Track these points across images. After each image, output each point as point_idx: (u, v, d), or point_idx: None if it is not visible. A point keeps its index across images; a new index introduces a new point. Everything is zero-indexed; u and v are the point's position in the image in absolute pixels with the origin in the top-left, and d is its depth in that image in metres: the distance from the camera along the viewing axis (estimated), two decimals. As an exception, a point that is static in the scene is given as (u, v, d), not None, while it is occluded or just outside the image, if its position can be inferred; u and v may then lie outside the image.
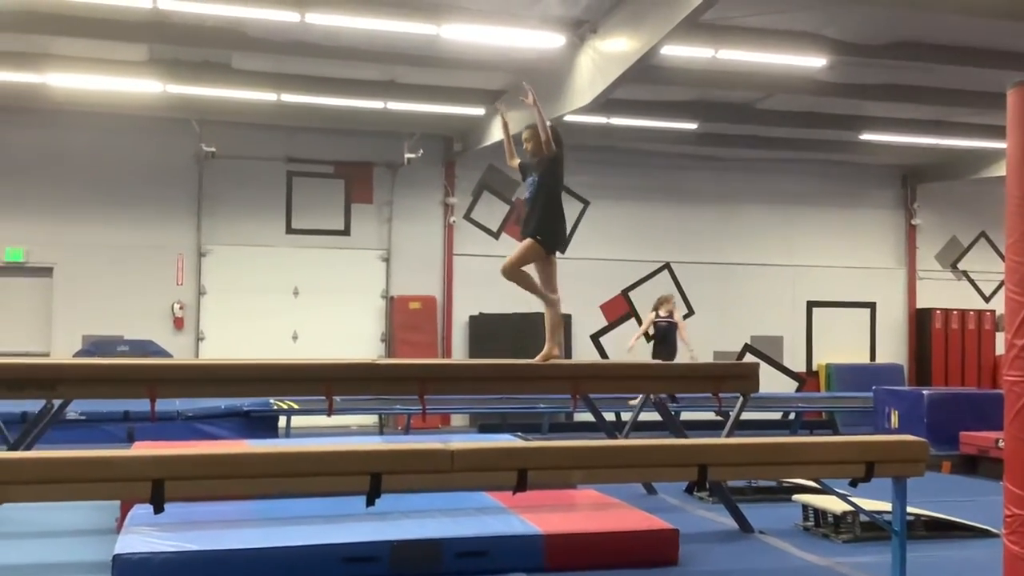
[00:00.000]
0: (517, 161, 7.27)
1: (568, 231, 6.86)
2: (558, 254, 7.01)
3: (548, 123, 6.78)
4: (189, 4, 9.64)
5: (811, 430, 14.10)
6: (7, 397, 6.09)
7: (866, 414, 13.06)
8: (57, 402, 6.67)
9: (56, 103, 13.10)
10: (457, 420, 15.24)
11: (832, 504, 6.88)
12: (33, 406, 8.03)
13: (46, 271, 14.17)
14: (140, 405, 10.08)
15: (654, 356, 12.82)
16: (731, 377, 7.40)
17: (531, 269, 6.96)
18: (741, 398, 7.36)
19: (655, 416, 9.04)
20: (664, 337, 13.09)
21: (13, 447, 6.69)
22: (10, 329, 13.90)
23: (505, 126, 7.37)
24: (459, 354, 15.62)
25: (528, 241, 6.83)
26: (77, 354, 13.12)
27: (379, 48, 11.11)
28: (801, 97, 13.13)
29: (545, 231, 6.78)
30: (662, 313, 13.20)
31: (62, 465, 4.58)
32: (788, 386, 16.82)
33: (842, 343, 17.23)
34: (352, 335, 14.92)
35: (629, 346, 13.24)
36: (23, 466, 4.65)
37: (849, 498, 5.91)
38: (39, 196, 14.03)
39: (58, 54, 11.70)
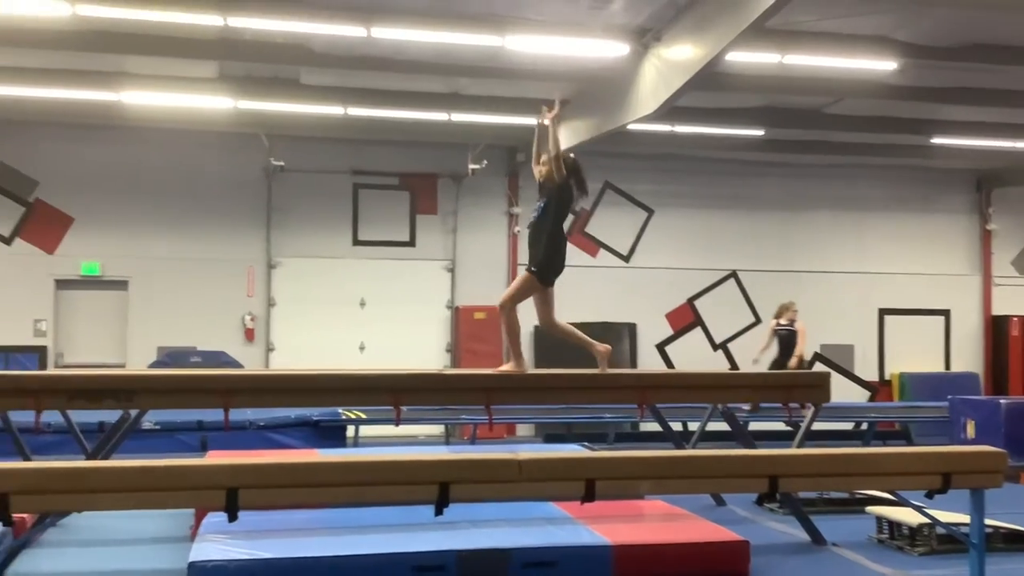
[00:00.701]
0: (542, 169, 6.67)
1: (564, 262, 6.69)
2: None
3: (560, 148, 6.44)
4: (258, 21, 9.83)
5: (884, 441, 13.80)
6: (85, 407, 6.25)
7: (941, 424, 12.75)
8: (134, 412, 6.81)
9: (130, 120, 13.46)
10: (522, 430, 15.24)
11: (907, 516, 6.73)
12: (110, 416, 8.22)
13: (122, 284, 14.54)
14: (213, 415, 10.28)
15: (773, 366, 12.32)
16: (802, 387, 7.29)
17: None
18: (812, 408, 7.24)
19: (723, 426, 8.94)
20: (786, 346, 12.59)
21: (91, 456, 6.85)
22: (87, 341, 14.31)
23: (545, 128, 6.63)
24: (525, 363, 15.59)
25: (524, 274, 6.68)
26: (152, 365, 13.42)
27: (443, 60, 11.22)
28: (871, 101, 12.92)
29: (543, 264, 6.52)
30: (783, 321, 12.73)
31: (139, 474, 4.68)
32: (860, 396, 16.52)
33: (916, 351, 16.86)
34: (418, 345, 15.04)
35: (754, 358, 12.69)
36: (101, 475, 4.76)
37: (925, 510, 5.78)
38: (115, 211, 14.41)
39: (132, 72, 12.02)
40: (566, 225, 6.84)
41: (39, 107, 12.99)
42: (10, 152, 14.16)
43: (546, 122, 6.42)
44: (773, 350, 12.72)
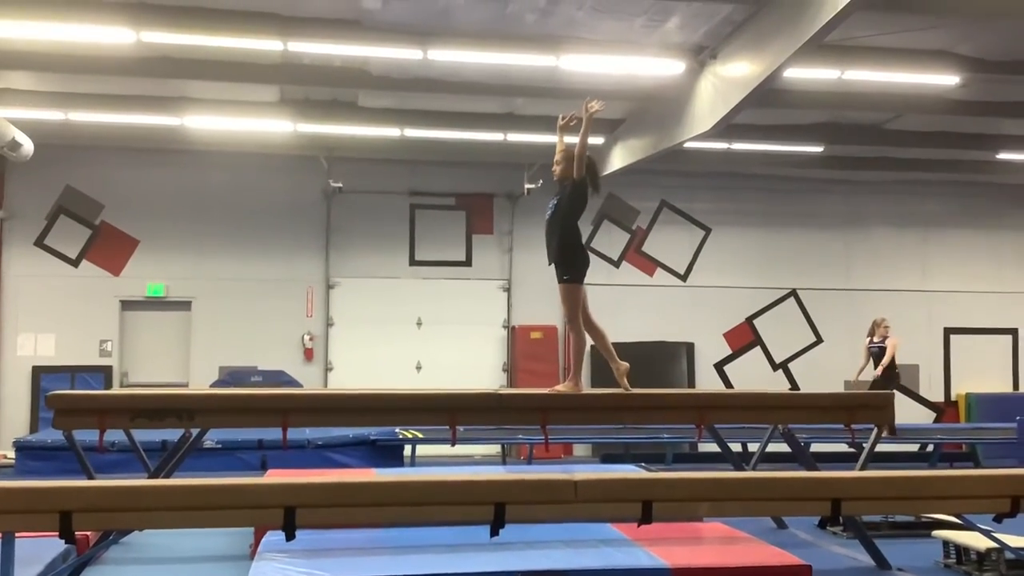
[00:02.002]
0: (557, 169, 6.65)
1: (587, 255, 6.58)
2: None
3: (587, 147, 6.41)
4: (317, 45, 9.98)
5: (951, 463, 13.48)
6: (149, 426, 6.36)
7: (1010, 446, 12.42)
8: (195, 431, 6.91)
9: (193, 144, 13.74)
10: (579, 450, 15.16)
11: (975, 541, 6.55)
12: (171, 435, 8.35)
13: (185, 305, 14.80)
14: (272, 433, 10.40)
15: (872, 386, 11.87)
16: (865, 407, 7.14)
17: None
18: (876, 429, 7.09)
19: (782, 447, 8.79)
20: (880, 363, 12.20)
21: (153, 475, 6.96)
22: (152, 361, 14.59)
23: (578, 123, 6.56)
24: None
25: (563, 287, 6.59)
26: (214, 384, 13.62)
27: (499, 81, 11.28)
28: (933, 116, 12.68)
29: (571, 268, 6.46)
30: (875, 339, 12.39)
31: (200, 493, 4.74)
32: (925, 417, 16.15)
33: (983, 371, 16.45)
34: (474, 365, 15.06)
35: (853, 379, 12.50)
36: (164, 494, 4.83)
37: (993, 534, 5.62)
38: (178, 233, 14.70)
39: (195, 97, 12.27)
40: (586, 231, 6.80)
41: (105, 132, 13.32)
42: (77, 176, 14.53)
43: (593, 107, 6.37)
44: (870, 369, 12.38)
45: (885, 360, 12.10)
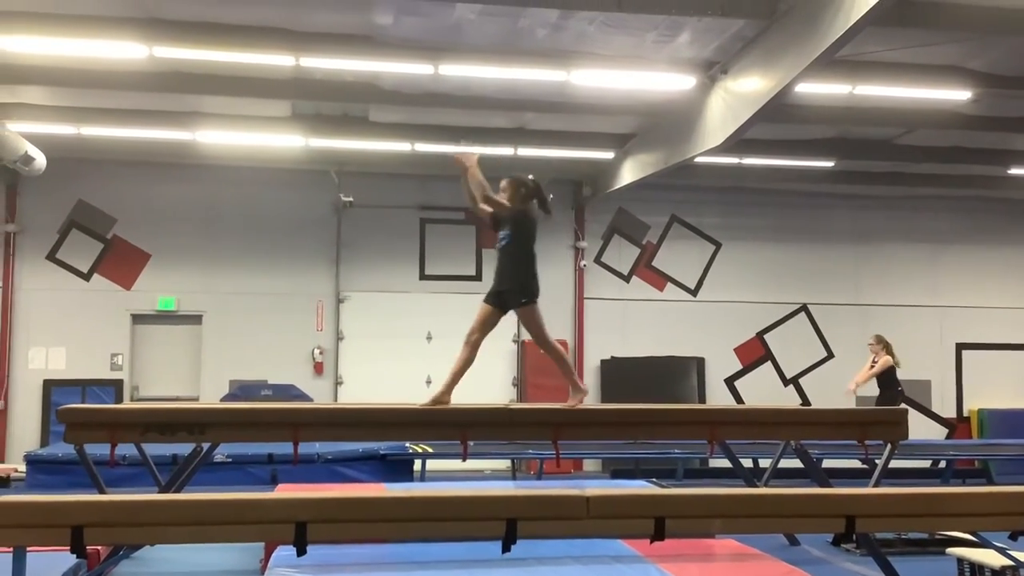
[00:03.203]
0: (486, 208, 6.75)
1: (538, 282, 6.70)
2: None
3: (486, 191, 6.51)
4: (329, 60, 10.02)
5: (964, 479, 13.38)
6: (160, 440, 6.35)
7: (1023, 462, 12.31)
8: (206, 445, 6.91)
9: (205, 158, 13.81)
10: (589, 465, 15.12)
11: (990, 558, 6.49)
12: (182, 449, 8.35)
13: (196, 318, 14.83)
14: (282, 447, 10.40)
15: (877, 402, 11.83)
16: (878, 423, 7.09)
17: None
18: (889, 446, 7.05)
19: (794, 463, 8.75)
20: (880, 381, 12.04)
21: (164, 489, 6.95)
22: (162, 374, 14.61)
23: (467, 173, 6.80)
24: (590, 398, 15.42)
25: (525, 310, 6.66)
26: (224, 398, 13.62)
27: (509, 96, 11.31)
28: (945, 132, 12.67)
29: (527, 291, 6.62)
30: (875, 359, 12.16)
31: (213, 508, 4.72)
32: (937, 432, 16.06)
33: (996, 387, 16.36)
34: (484, 379, 14.89)
35: (846, 391, 12.20)
36: (175, 508, 4.81)
37: (1008, 552, 5.57)
38: (190, 247, 14.74)
39: (207, 112, 12.33)
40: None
41: (117, 147, 13.39)
42: (89, 190, 14.59)
43: (465, 162, 6.61)
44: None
45: (861, 377, 11.97)
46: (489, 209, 6.60)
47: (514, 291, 6.58)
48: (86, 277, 14.66)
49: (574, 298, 15.74)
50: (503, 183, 6.67)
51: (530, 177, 6.71)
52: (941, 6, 8.77)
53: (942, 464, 13.46)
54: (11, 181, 14.21)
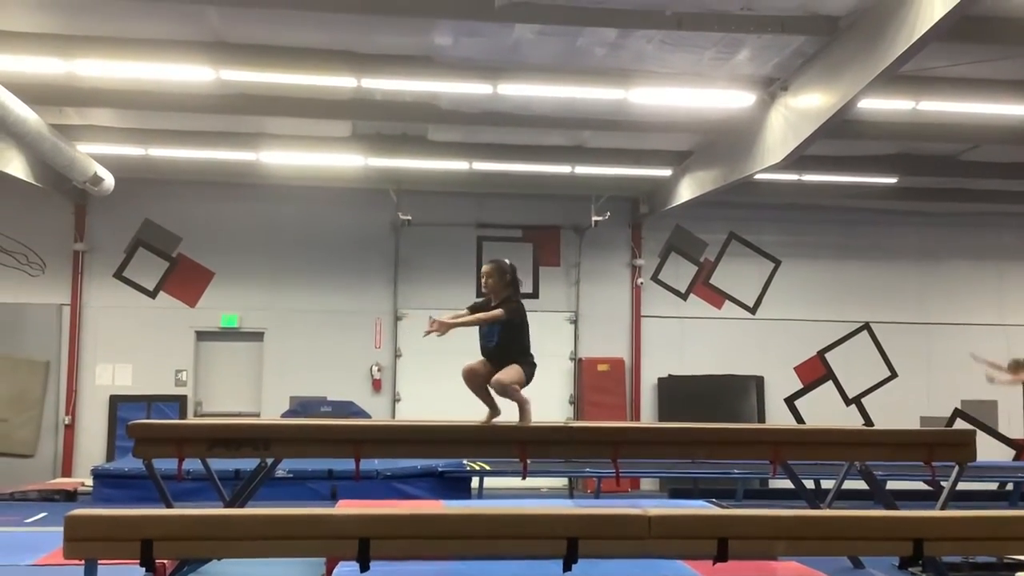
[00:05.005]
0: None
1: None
2: None
3: (477, 318, 6.85)
4: (389, 81, 10.16)
5: (1032, 502, 13.03)
6: (225, 455, 6.44)
7: (1095, 486, 11.97)
8: (269, 460, 7.00)
9: (268, 178, 14.05)
10: (647, 484, 15.01)
11: (1064, 585, 6.32)
12: (244, 463, 8.46)
13: (258, 335, 15.06)
14: (342, 463, 10.49)
15: None
16: (945, 444, 6.95)
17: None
18: (957, 467, 6.90)
19: (855, 484, 8.60)
20: None
21: (229, 504, 7.05)
22: (225, 390, 14.85)
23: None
24: (647, 416, 15.44)
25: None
26: (284, 414, 13.80)
27: (567, 114, 11.33)
28: (1011, 147, 12.43)
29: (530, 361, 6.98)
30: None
31: (279, 523, 4.79)
32: (1004, 454, 15.68)
33: (1065, 408, 15.95)
34: (540, 397, 14.73)
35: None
36: (240, 523, 4.89)
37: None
38: (252, 265, 14.99)
39: (270, 133, 12.56)
40: None
41: (183, 167, 13.69)
42: (156, 210, 14.92)
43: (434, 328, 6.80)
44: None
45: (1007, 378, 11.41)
46: (502, 278, 6.86)
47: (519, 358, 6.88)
48: (152, 295, 14.96)
49: (631, 316, 15.68)
50: (486, 268, 6.89)
51: (507, 261, 6.90)
52: (1007, 21, 8.62)
53: (1009, 486, 13.13)
54: (80, 201, 14.58)
